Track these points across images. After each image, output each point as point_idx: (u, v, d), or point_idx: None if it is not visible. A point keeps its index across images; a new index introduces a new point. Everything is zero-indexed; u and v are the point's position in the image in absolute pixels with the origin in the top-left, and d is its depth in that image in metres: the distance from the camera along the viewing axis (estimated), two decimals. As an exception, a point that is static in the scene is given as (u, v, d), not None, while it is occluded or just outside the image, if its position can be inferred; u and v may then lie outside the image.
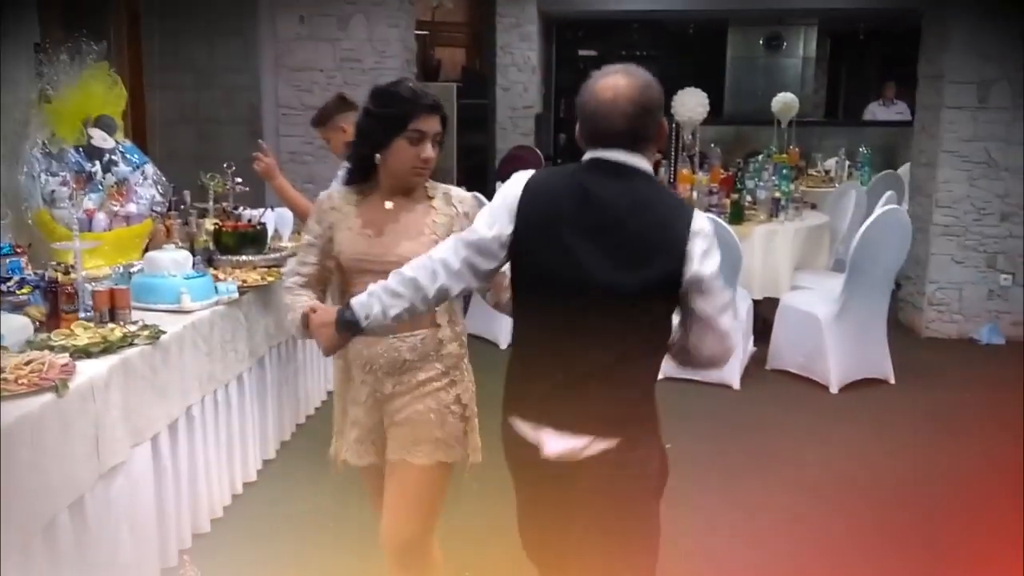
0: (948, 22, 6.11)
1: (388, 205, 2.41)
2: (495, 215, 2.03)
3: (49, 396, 2.53)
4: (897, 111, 10.16)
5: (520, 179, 2.05)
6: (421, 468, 2.39)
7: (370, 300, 2.06)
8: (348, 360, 2.45)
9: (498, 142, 10.29)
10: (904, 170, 8.05)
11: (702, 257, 1.92)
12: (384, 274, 2.12)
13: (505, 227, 2.00)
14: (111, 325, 3.11)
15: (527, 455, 2.06)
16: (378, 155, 2.37)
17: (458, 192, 2.50)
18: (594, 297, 1.94)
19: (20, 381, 2.55)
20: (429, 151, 2.35)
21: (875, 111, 10.51)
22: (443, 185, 2.50)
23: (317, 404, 4.76)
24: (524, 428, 2.07)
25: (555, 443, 2.01)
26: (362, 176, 2.45)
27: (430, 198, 2.44)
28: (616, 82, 1.95)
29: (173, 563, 3.22)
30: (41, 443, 2.46)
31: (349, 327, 2.08)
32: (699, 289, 1.94)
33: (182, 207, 4.47)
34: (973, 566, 3.36)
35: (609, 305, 1.94)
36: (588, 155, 2.01)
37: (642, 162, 1.99)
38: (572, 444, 1.99)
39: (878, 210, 5.23)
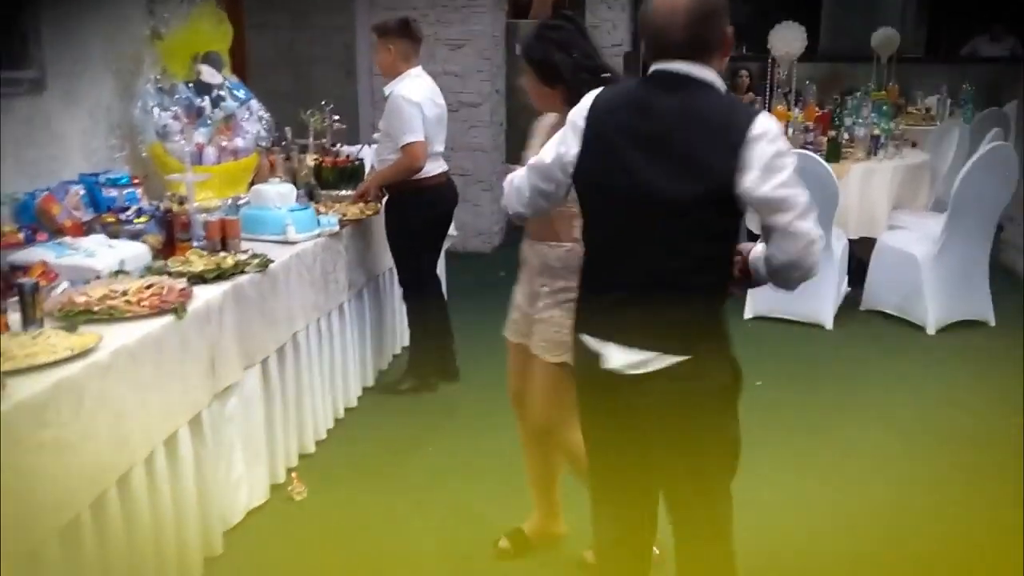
0: (1066, -51, 5.80)
1: None
2: (561, 138, 2.11)
3: (169, 318, 2.67)
4: (1005, 47, 9.70)
5: (588, 99, 2.08)
6: (548, 365, 2.63)
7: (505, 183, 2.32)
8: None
9: (587, 81, 10.17)
10: (1010, 107, 7.72)
11: (764, 170, 1.87)
12: None
13: (571, 148, 2.06)
14: (223, 253, 3.25)
15: (594, 370, 2.06)
16: None
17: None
18: (651, 209, 1.93)
19: (142, 304, 2.70)
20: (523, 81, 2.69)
21: (980, 46, 10.05)
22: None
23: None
24: (591, 343, 2.07)
25: (618, 356, 2.01)
26: None
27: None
28: None
29: (281, 479, 3.40)
30: (162, 362, 2.61)
31: None
32: (767, 205, 1.90)
33: (283, 143, 4.59)
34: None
35: (666, 217, 1.93)
36: (652, 68, 1.99)
37: (705, 71, 1.95)
38: (635, 358, 1.99)
39: (983, 147, 5.06)
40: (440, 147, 4.13)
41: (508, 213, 2.33)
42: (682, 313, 1.99)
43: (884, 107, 6.21)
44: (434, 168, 4.09)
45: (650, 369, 1.98)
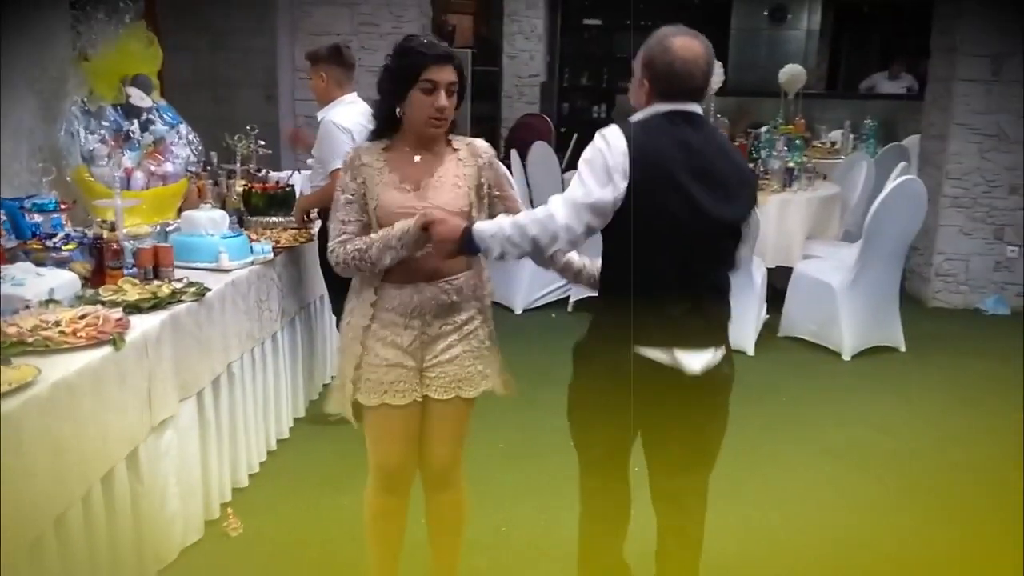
0: (963, -6, 6.14)
1: (417, 158, 2.46)
2: (607, 176, 2.17)
3: (107, 349, 2.57)
4: (903, 84, 10.20)
5: (616, 140, 2.18)
6: (469, 401, 2.54)
7: (492, 240, 2.23)
8: (384, 308, 2.46)
9: (504, 111, 10.28)
10: (909, 142, 8.10)
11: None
12: None
13: (620, 185, 2.17)
14: (157, 282, 3.15)
15: (662, 377, 2.27)
16: (399, 109, 2.41)
17: (479, 143, 2.56)
18: (710, 231, 2.26)
19: (79, 334, 2.59)
20: (443, 100, 2.37)
21: (880, 83, 10.54)
22: (465, 137, 2.56)
23: (341, 365, 4.81)
24: (656, 354, 2.26)
25: (693, 359, 2.27)
26: (386, 131, 2.49)
27: (456, 150, 2.50)
28: (692, 43, 2.23)
29: (215, 515, 3.30)
30: (100, 395, 2.51)
31: (469, 252, 2.29)
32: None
33: (209, 168, 4.50)
34: (991, 527, 3.46)
35: (719, 236, 2.30)
36: (668, 108, 2.25)
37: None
38: (707, 358, 2.30)
39: (896, 180, 5.29)
40: None
41: (525, 255, 2.27)
42: (724, 312, 2.38)
43: (796, 141, 6.46)
44: None
45: (715, 363, 2.32)
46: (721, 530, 3.35)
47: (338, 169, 3.85)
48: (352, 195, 2.45)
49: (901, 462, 4.04)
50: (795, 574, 3.14)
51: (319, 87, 4.05)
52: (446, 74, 2.37)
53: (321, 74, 4.04)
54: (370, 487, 2.64)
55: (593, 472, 2.50)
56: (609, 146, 2.17)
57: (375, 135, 2.52)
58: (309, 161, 4.18)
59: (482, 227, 2.26)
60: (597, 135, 2.23)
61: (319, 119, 4.00)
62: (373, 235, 2.41)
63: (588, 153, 2.22)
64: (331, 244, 2.47)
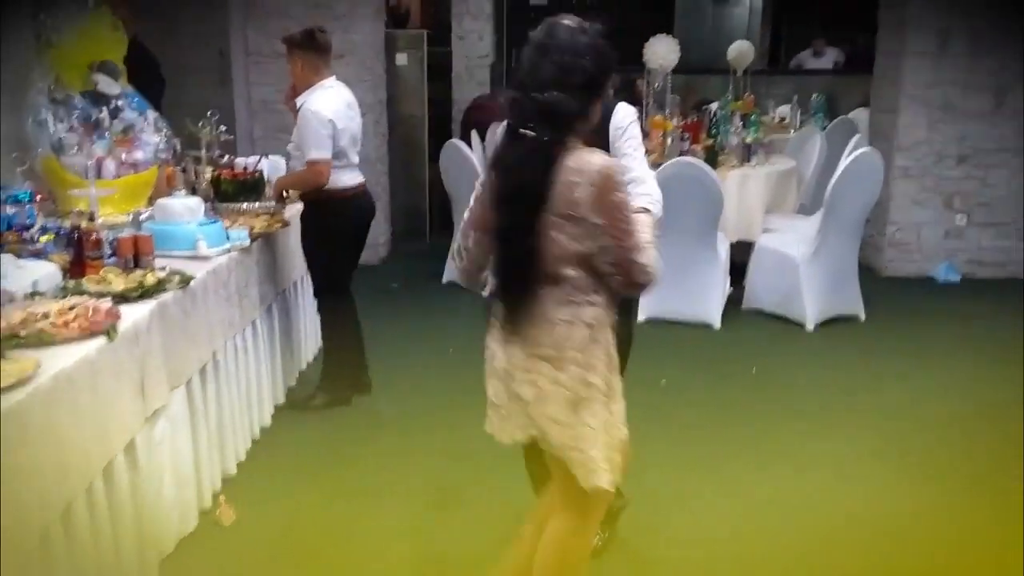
0: (910, -31, 6.28)
1: None
2: None
3: (101, 340, 2.53)
4: (829, 60, 10.47)
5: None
6: None
7: None
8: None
9: (454, 92, 10.21)
10: (855, 115, 8.27)
11: None
12: None
13: None
14: (139, 271, 3.09)
15: None
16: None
17: None
18: None
19: (71, 326, 2.54)
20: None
21: (806, 60, 10.79)
22: None
23: (315, 351, 4.77)
24: None
25: None
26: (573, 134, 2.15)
27: None
28: None
29: (208, 504, 3.27)
30: (98, 386, 2.47)
31: None
32: None
33: (175, 154, 4.41)
34: (962, 481, 3.59)
35: None
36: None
37: None
38: None
39: (854, 152, 5.40)
40: (355, 159, 4.06)
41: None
42: None
43: (752, 117, 6.56)
44: (351, 179, 4.04)
45: None
46: (722, 496, 3.44)
47: (314, 160, 3.83)
48: None
49: (875, 424, 4.15)
50: (792, 541, 3.19)
51: (296, 73, 4.00)
52: None
53: (297, 60, 3.99)
54: (596, 520, 2.43)
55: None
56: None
57: (564, 136, 2.12)
58: (289, 147, 4.12)
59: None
60: (630, 112, 2.62)
61: (298, 105, 3.95)
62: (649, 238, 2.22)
63: (636, 128, 2.60)
64: (652, 265, 2.16)
